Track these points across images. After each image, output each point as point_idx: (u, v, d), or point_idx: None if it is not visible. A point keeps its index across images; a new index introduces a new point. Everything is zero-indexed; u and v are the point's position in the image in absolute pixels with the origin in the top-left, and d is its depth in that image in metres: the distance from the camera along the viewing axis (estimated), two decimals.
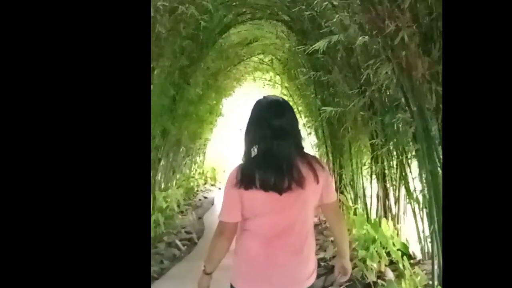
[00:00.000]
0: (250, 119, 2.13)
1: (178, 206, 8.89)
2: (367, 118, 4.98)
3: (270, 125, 2.03)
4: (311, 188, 2.06)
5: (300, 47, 4.97)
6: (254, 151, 2.09)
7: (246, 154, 2.11)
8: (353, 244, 4.82)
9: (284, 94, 10.72)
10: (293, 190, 2.02)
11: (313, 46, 4.14)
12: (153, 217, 6.78)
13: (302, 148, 2.13)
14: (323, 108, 4.74)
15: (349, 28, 3.85)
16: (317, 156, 9.52)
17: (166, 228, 7.18)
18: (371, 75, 3.99)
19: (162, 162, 9.21)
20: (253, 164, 2.05)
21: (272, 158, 2.02)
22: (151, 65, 5.39)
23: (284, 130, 2.04)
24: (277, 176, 2.00)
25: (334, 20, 4.07)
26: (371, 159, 5.48)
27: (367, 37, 3.45)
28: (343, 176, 6.55)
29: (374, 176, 5.64)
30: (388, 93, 4.41)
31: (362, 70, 4.92)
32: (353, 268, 3.16)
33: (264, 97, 2.19)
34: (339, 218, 2.35)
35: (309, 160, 2.10)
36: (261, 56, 10.61)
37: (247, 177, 2.03)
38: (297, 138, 2.11)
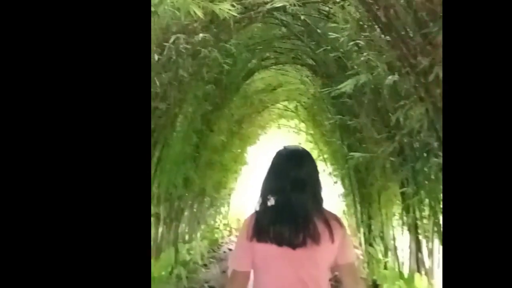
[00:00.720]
0: (269, 169, 2.12)
1: (202, 259, 8.61)
2: (397, 165, 4.69)
3: (289, 177, 2.02)
4: (326, 246, 1.98)
5: (325, 89, 4.77)
6: (271, 201, 2.06)
7: (262, 204, 2.07)
8: None
9: (310, 141, 10.56)
10: (307, 246, 1.96)
11: (339, 87, 3.94)
12: (175, 271, 6.54)
13: (321, 201, 2.08)
14: (351, 154, 4.51)
15: (377, 67, 3.67)
16: (344, 206, 9.52)
17: (189, 283, 6.89)
18: (401, 118, 3.77)
19: (186, 213, 9.05)
20: (269, 216, 2.02)
21: (288, 211, 1.98)
22: (175, 112, 5.29)
23: (303, 183, 2.01)
24: (292, 230, 1.95)
25: (361, 59, 3.87)
26: (402, 209, 5.16)
27: (397, 75, 3.25)
28: (372, 227, 6.23)
29: (405, 227, 5.30)
30: (419, 137, 4.16)
31: (390, 114, 4.73)
32: None
33: (284, 147, 2.18)
34: (356, 282, 2.16)
35: (326, 217, 2.03)
36: (285, 103, 10.51)
37: (261, 229, 1.99)
38: (316, 190, 2.07)
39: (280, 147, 2.19)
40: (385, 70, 3.47)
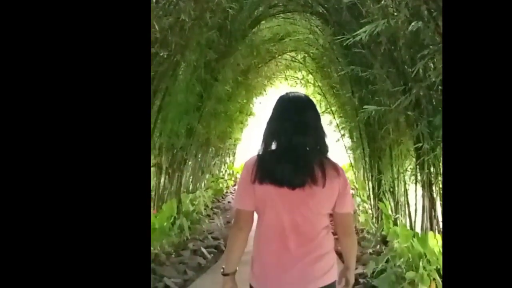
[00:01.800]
0: (272, 113, 2.16)
1: (206, 209, 8.46)
2: (412, 119, 4.39)
3: (292, 120, 2.05)
4: (323, 191, 2.03)
5: (338, 38, 4.41)
6: (273, 145, 2.10)
7: (264, 147, 2.11)
8: (397, 261, 4.26)
9: (318, 93, 10.26)
10: (305, 188, 2.01)
11: (354, 35, 3.63)
12: (178, 222, 6.38)
13: (325, 147, 2.12)
14: (365, 107, 4.19)
15: (399, 13, 3.34)
16: (352, 159, 9.33)
17: (192, 234, 6.75)
18: (420, 70, 3.49)
19: (190, 163, 8.89)
20: (270, 158, 2.06)
21: (290, 153, 2.03)
22: (176, 59, 5.00)
23: (305, 126, 2.06)
24: (292, 171, 2.00)
25: (379, 5, 3.55)
26: (416, 165, 4.89)
27: (420, 22, 2.93)
28: (383, 182, 6.01)
29: (419, 184, 5.03)
30: (439, 91, 3.85)
31: (406, 66, 4.43)
32: None
33: (287, 93, 2.21)
34: (348, 233, 2.24)
35: (328, 164, 2.08)
36: (293, 54, 10.13)
37: (262, 171, 2.04)
38: (319, 136, 2.10)
39: (283, 93, 2.23)
40: (406, 16, 3.15)
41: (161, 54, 4.56)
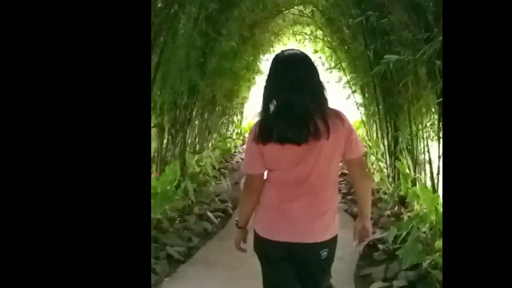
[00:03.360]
0: (268, 73, 2.21)
1: (213, 170, 8.11)
2: (437, 70, 3.92)
3: (288, 79, 2.10)
4: (328, 142, 2.09)
5: None
6: (272, 105, 2.15)
7: (264, 110, 2.17)
8: (421, 226, 3.89)
9: (328, 47, 9.80)
10: (309, 143, 2.07)
11: None
12: (182, 185, 6.03)
13: (324, 101, 2.17)
14: (386, 56, 3.74)
15: None
16: (363, 116, 8.96)
17: (198, 197, 6.42)
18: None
19: (196, 122, 8.56)
20: (271, 119, 2.13)
21: (289, 111, 2.08)
22: (174, 9, 4.59)
23: (301, 83, 2.09)
24: (293, 128, 2.06)
25: None
26: (438, 121, 4.47)
27: None
28: (400, 139, 5.63)
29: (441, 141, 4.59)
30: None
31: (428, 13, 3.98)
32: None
33: (282, 51, 2.25)
34: (363, 175, 2.32)
35: (328, 114, 2.12)
36: (301, 7, 9.63)
37: (265, 132, 2.12)
38: (317, 90, 2.15)
39: (278, 51, 2.28)
40: None
41: (159, 5, 4.17)
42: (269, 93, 2.17)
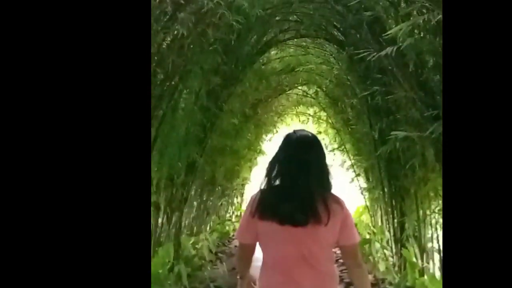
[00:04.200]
0: (278, 151, 2.24)
1: (209, 254, 7.75)
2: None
3: (297, 160, 2.13)
4: (326, 228, 2.09)
5: (358, 52, 3.85)
6: (276, 182, 2.17)
7: (267, 183, 2.19)
8: None
9: (333, 128, 9.74)
10: (307, 226, 2.08)
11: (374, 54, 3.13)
12: (176, 269, 5.68)
13: (328, 186, 2.20)
14: (393, 133, 3.57)
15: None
16: (367, 201, 8.72)
17: (192, 282, 6.04)
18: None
19: (194, 203, 8.31)
20: (272, 195, 2.16)
21: (293, 193, 2.10)
22: (175, 82, 4.47)
23: (309, 166, 2.12)
24: (294, 210, 2.07)
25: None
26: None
27: None
28: (406, 225, 5.36)
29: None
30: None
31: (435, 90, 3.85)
32: None
33: (294, 131, 2.29)
34: (357, 263, 2.27)
35: (328, 199, 2.13)
36: (305, 88, 9.65)
37: (264, 208, 2.14)
38: (323, 175, 2.19)
39: (290, 131, 2.31)
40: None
41: (159, 77, 4.04)
42: (276, 170, 2.19)
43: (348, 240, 2.21)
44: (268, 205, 2.13)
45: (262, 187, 2.21)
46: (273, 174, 2.19)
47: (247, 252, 2.33)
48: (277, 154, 2.24)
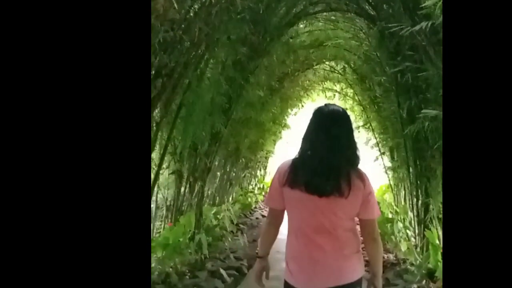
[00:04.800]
0: (309, 125, 2.30)
1: (231, 224, 7.76)
2: None
3: (328, 133, 2.20)
4: (346, 200, 2.17)
5: (392, 25, 3.70)
6: (308, 153, 2.23)
7: (300, 155, 2.27)
8: None
9: (360, 105, 9.63)
10: (331, 197, 2.16)
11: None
12: (196, 238, 5.69)
13: (357, 159, 2.26)
14: (423, 111, 3.46)
15: None
16: (391, 180, 8.61)
17: (212, 252, 6.06)
18: None
19: (218, 173, 8.31)
20: (304, 166, 2.22)
21: (323, 165, 2.17)
22: (201, 50, 4.40)
23: (339, 140, 2.20)
24: (321, 182, 2.16)
25: None
26: None
27: None
28: (431, 207, 5.27)
29: None
30: None
31: None
32: None
33: (325, 105, 2.35)
34: (373, 238, 2.35)
35: (353, 174, 2.20)
36: (332, 63, 9.50)
37: (295, 177, 2.22)
38: (351, 149, 2.24)
39: (321, 104, 2.38)
40: None
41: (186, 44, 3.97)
42: (309, 143, 2.25)
43: (367, 215, 2.28)
44: (299, 175, 2.20)
45: (296, 156, 2.28)
46: (306, 146, 2.25)
47: (275, 219, 2.40)
48: (308, 126, 2.30)
